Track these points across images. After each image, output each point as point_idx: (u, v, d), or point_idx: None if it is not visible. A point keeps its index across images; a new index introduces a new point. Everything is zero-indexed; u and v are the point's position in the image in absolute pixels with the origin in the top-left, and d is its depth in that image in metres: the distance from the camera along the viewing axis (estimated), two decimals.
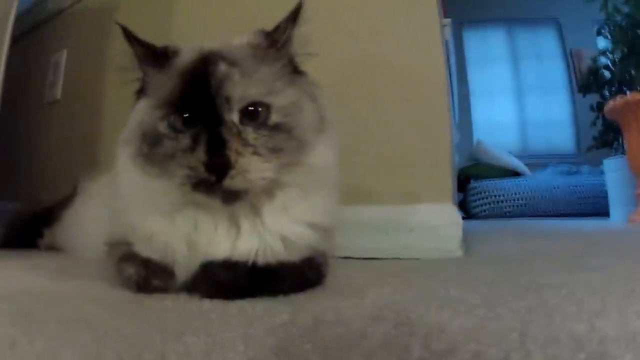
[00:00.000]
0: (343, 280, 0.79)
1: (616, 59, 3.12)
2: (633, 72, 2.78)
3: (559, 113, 5.67)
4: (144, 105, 0.70)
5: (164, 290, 0.69)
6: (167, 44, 0.72)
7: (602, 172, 3.88)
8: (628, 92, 3.01)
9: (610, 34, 3.15)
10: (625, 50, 2.90)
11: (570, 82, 5.65)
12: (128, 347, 0.44)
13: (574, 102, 5.59)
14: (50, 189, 1.89)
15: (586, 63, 5.28)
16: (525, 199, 4.15)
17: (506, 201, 4.17)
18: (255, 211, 0.68)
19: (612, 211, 3.20)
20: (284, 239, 0.67)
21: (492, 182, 4.31)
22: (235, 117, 0.63)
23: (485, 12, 5.81)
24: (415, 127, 1.25)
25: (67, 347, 0.45)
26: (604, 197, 3.50)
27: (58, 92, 2.10)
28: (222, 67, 0.64)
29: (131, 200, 0.71)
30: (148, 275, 0.69)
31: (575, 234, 2.07)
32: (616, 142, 3.39)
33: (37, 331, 0.49)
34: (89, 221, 1.08)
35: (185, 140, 0.63)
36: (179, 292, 0.69)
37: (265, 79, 0.65)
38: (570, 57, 5.64)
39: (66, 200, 1.34)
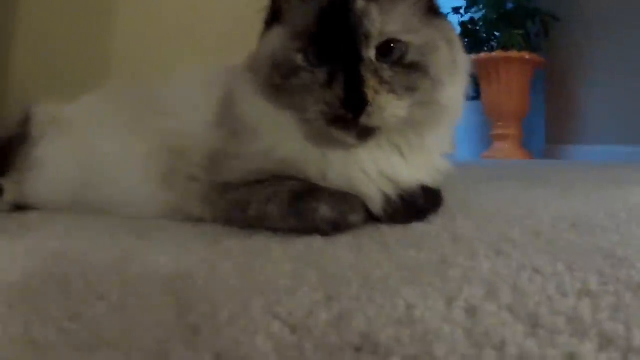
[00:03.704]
0: None
1: (475, 18, 3.50)
2: (498, 34, 3.19)
3: None
4: (278, 34, 0.68)
5: (357, 226, 0.65)
6: None
7: None
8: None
9: None
10: (494, 15, 3.30)
11: None
12: None
13: None
14: None
15: None
16: None
17: None
18: (409, 145, 0.70)
19: (457, 148, 3.79)
20: (435, 169, 0.73)
21: None
22: (372, 54, 0.62)
23: None
24: None
25: None
26: None
27: None
28: (361, 3, 0.62)
29: (277, 132, 0.69)
30: (346, 211, 0.64)
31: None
32: None
33: None
34: (111, 160, 0.84)
35: (322, 75, 0.62)
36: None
37: (402, 16, 0.65)
38: None
39: (17, 135, 0.97)
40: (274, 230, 0.65)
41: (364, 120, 0.60)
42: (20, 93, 1.37)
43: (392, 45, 0.62)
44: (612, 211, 0.79)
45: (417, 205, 0.70)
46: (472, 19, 3.54)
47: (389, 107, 0.61)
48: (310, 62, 0.63)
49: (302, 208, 0.64)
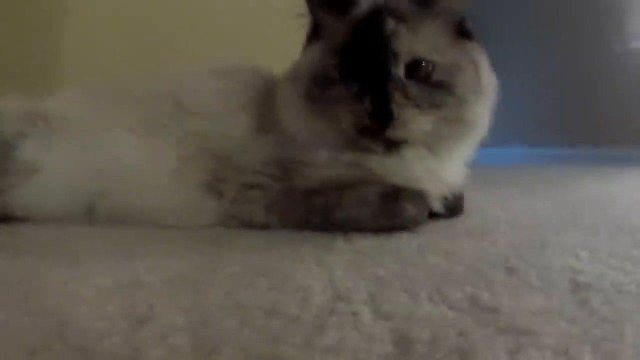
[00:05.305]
0: None
1: None
2: None
3: None
4: (317, 49, 0.75)
5: (425, 222, 0.73)
6: None
7: None
8: None
9: None
10: None
11: None
12: None
13: None
14: None
15: None
16: None
17: None
18: (439, 155, 0.76)
19: None
20: (460, 174, 0.82)
21: None
22: (401, 71, 0.68)
23: None
24: None
25: None
26: None
27: None
28: (391, 24, 0.69)
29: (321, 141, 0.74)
30: (423, 209, 0.73)
31: None
32: None
33: None
34: (135, 165, 0.79)
35: (354, 89, 0.69)
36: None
37: (430, 37, 0.71)
38: None
39: None
40: (348, 231, 0.68)
41: (389, 132, 0.67)
42: None
43: (419, 63, 0.69)
44: (593, 200, 0.99)
45: (461, 202, 0.84)
46: None
47: (413, 121, 0.67)
48: (344, 76, 0.70)
49: (392, 208, 0.70)
